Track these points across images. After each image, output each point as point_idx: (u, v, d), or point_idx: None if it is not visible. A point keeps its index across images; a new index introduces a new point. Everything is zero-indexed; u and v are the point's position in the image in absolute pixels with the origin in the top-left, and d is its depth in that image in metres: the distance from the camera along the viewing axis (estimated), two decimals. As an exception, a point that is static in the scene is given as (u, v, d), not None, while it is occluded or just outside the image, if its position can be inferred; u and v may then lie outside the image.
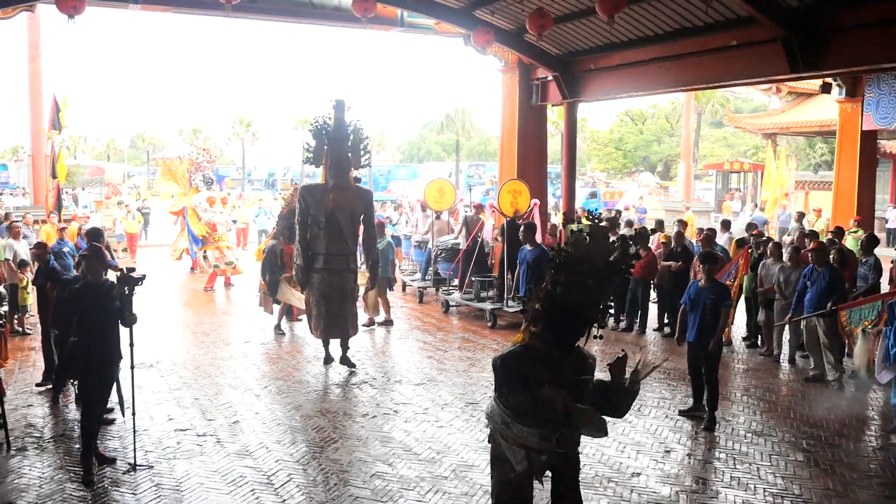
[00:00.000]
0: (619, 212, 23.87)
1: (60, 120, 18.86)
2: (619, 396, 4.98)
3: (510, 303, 13.13)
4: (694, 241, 14.06)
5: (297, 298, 11.71)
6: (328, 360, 10.44)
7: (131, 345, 6.94)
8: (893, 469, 7.21)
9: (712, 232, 12.94)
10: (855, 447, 7.79)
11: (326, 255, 10.09)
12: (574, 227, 5.08)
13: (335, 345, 10.45)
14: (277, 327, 12.50)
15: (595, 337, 4.94)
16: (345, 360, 10.32)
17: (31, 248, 11.84)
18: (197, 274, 18.26)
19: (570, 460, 5.11)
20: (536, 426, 4.99)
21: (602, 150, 58.76)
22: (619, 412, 4.95)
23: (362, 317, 12.68)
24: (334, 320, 10.18)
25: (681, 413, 8.55)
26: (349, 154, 10.12)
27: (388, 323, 13.13)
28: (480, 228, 14.83)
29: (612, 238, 5.01)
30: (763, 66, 11.73)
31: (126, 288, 6.83)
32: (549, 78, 15.59)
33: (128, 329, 6.96)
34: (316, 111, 10.08)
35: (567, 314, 4.87)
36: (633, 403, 4.93)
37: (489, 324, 13.35)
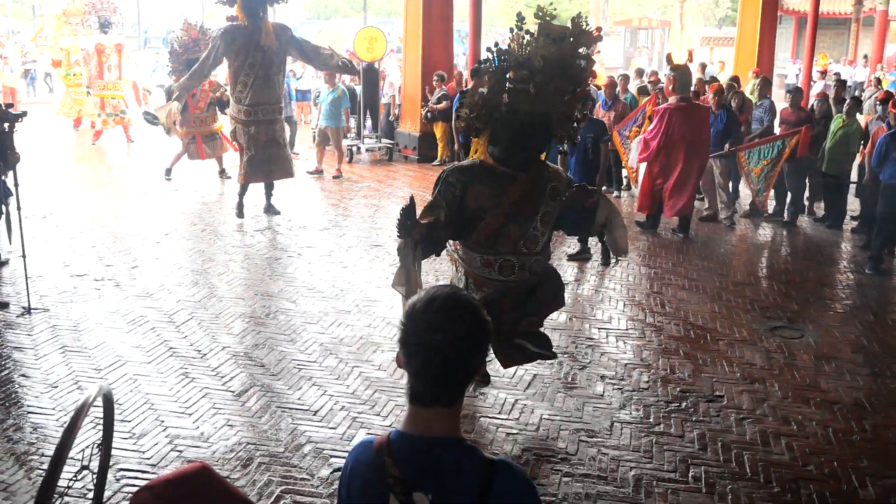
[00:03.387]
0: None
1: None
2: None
3: (365, 140, 14.94)
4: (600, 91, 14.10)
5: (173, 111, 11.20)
6: (240, 212, 9.90)
7: (16, 185, 6.63)
8: (773, 295, 7.66)
9: (611, 80, 13.03)
10: (742, 277, 8.22)
11: (256, 104, 9.47)
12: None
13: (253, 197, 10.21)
14: (168, 171, 12.45)
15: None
16: (268, 208, 10.16)
17: None
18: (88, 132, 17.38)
19: (520, 297, 4.78)
20: (478, 249, 4.65)
21: (511, 8, 57.53)
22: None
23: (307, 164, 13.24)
24: (261, 166, 9.75)
25: (569, 258, 8.56)
26: None
27: (336, 176, 12.85)
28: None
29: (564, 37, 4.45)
30: None
31: (5, 125, 6.47)
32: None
33: (10, 170, 6.65)
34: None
35: (510, 126, 4.44)
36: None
37: (347, 159, 13.96)
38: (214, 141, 12.59)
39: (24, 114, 6.69)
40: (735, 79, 13.39)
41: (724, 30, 37.98)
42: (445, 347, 1.67)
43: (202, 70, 9.68)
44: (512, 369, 5.65)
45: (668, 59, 9.87)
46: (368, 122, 15.16)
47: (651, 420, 5.07)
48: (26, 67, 23.68)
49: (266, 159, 9.74)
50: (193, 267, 8.05)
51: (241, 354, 5.96)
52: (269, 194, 10.22)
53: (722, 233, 9.92)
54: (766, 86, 11.17)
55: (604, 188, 9.81)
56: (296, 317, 6.69)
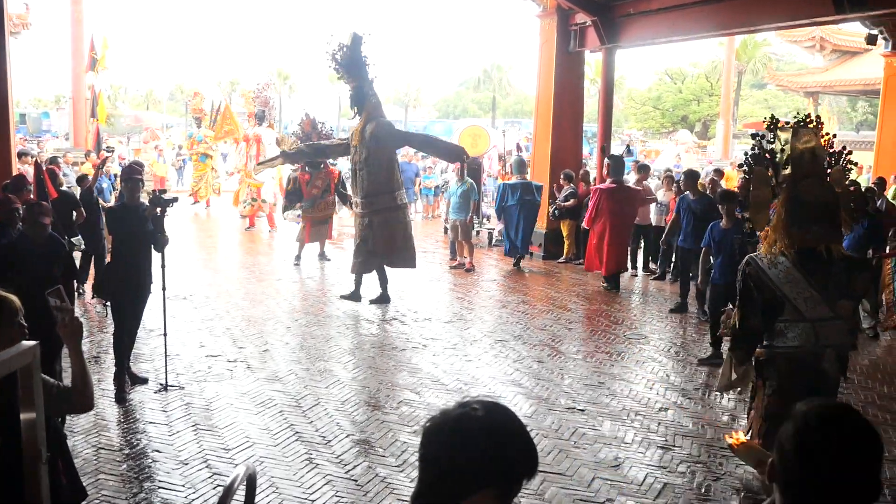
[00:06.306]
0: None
1: (100, 62, 19.06)
2: None
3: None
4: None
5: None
6: (355, 296, 10.33)
7: (163, 266, 7.01)
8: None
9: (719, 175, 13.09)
10: (889, 391, 7.68)
11: (363, 196, 10.19)
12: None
13: (367, 286, 10.48)
14: (297, 257, 13.21)
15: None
16: (379, 298, 10.34)
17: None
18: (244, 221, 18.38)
19: None
20: None
21: (640, 109, 57.60)
22: None
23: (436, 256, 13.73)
24: (370, 258, 10.19)
25: (700, 362, 8.22)
26: (363, 86, 10.17)
27: (469, 269, 12.97)
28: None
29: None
30: (806, 7, 11.35)
31: (157, 209, 6.88)
32: (588, 23, 15.20)
33: (159, 252, 7.03)
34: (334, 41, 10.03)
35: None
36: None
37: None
38: (324, 226, 13.38)
39: (176, 199, 7.11)
40: (881, 183, 12.87)
41: (861, 134, 36.80)
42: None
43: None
44: (641, 475, 5.41)
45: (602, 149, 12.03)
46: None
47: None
48: (180, 157, 25.59)
49: (377, 252, 10.29)
50: (320, 353, 8.19)
51: (364, 443, 5.95)
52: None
53: (865, 342, 9.36)
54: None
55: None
56: (419, 408, 6.66)
